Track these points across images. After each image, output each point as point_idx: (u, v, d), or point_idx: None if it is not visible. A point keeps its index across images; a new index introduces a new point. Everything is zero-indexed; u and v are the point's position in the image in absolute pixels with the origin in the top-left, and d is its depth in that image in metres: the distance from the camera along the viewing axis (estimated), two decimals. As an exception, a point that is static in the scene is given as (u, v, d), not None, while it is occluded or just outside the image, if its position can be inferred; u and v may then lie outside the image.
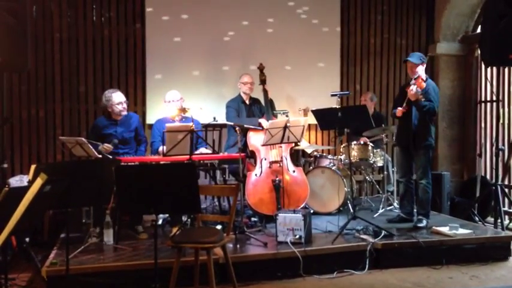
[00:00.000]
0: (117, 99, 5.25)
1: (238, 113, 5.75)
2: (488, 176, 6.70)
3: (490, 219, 5.87)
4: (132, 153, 5.31)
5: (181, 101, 5.47)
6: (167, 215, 5.20)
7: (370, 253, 4.51)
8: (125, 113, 5.31)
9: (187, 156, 4.61)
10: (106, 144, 5.02)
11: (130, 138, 5.37)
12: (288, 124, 4.91)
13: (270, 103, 5.86)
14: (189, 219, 4.94)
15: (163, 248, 4.12)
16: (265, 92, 5.77)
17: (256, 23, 6.75)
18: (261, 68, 5.82)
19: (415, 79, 5.03)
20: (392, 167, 6.21)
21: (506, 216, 5.85)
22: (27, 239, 4.76)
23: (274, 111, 5.95)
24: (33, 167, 3.24)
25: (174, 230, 4.81)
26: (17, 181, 5.28)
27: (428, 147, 5.14)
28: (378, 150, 6.08)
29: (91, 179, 3.43)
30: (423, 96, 4.99)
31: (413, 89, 4.95)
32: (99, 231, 4.72)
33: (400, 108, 5.10)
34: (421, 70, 5.10)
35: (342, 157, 6.03)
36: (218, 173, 5.54)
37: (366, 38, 7.22)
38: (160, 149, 5.19)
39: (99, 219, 4.79)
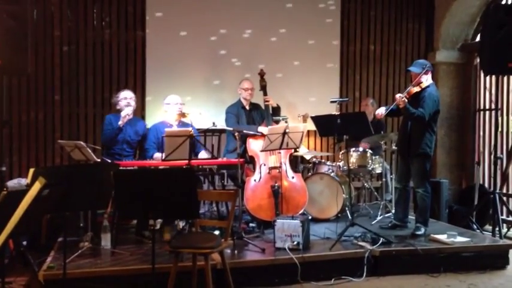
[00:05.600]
0: (122, 95, 5.38)
1: (238, 118, 5.71)
2: (486, 184, 6.70)
3: (488, 227, 5.87)
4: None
5: (181, 106, 5.46)
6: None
7: (368, 260, 4.50)
8: (130, 108, 5.28)
9: (186, 161, 4.61)
10: (122, 114, 5.16)
11: (136, 141, 5.39)
12: (287, 130, 4.91)
13: (275, 109, 5.85)
14: (187, 224, 4.93)
15: (161, 252, 4.10)
16: (266, 100, 5.75)
17: (256, 29, 6.77)
18: (261, 74, 5.79)
19: (413, 86, 5.06)
20: (391, 174, 6.21)
21: (504, 225, 5.84)
22: (24, 243, 4.75)
23: (275, 118, 5.94)
24: (31, 170, 3.24)
25: (166, 235, 4.81)
26: (15, 184, 5.26)
27: (423, 155, 5.09)
28: (377, 157, 6.08)
29: (89, 183, 3.42)
30: (419, 103, 5.00)
31: (398, 95, 5.01)
32: (91, 236, 4.68)
33: (378, 112, 5.19)
34: (424, 79, 5.08)
35: (341, 164, 6.04)
36: (217, 178, 5.53)
37: (365, 45, 7.24)
38: (156, 155, 5.13)
39: (94, 223, 4.78)
